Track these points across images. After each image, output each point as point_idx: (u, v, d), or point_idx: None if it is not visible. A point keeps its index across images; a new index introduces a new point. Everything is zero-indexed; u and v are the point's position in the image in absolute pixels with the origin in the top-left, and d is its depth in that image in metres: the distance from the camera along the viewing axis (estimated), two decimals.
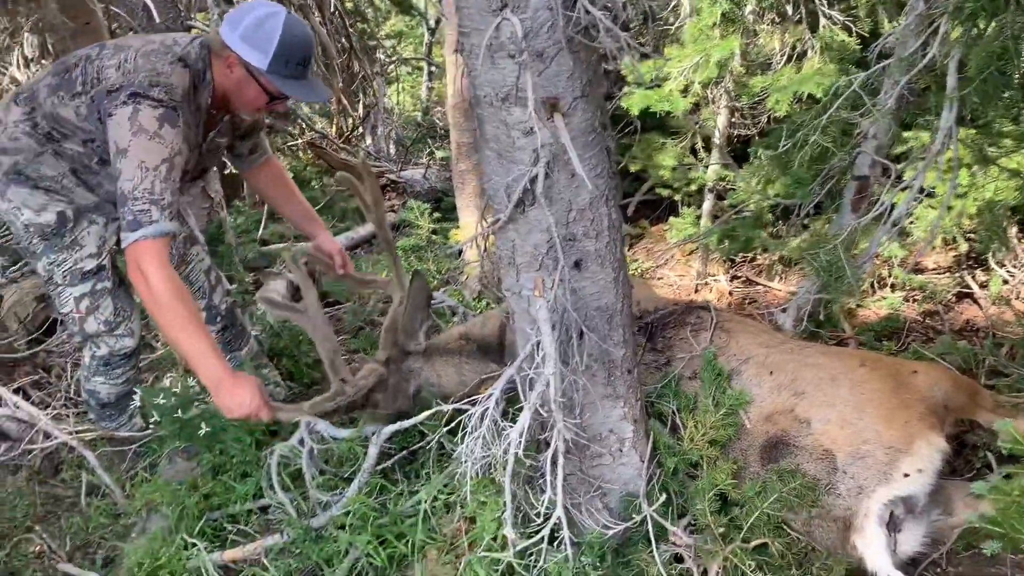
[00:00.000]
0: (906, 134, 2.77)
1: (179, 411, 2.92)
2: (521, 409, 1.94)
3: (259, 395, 2.43)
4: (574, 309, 1.88)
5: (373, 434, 2.70)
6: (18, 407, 3.23)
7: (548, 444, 2.07)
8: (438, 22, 9.77)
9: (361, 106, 7.86)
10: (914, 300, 3.80)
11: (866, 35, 3.51)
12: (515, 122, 1.69)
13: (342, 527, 2.56)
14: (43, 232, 2.67)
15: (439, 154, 6.62)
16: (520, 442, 1.90)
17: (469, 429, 2.00)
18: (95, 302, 2.82)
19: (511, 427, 1.95)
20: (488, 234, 1.91)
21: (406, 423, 2.64)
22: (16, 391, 3.69)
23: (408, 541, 2.49)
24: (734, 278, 4.43)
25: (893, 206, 2.25)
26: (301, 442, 2.76)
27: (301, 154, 6.90)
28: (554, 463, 1.95)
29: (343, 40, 7.17)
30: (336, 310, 4.70)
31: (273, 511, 2.78)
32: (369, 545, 2.45)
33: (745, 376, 2.43)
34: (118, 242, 2.88)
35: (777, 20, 3.66)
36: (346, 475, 2.77)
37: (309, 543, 2.54)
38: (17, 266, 5.23)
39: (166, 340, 2.41)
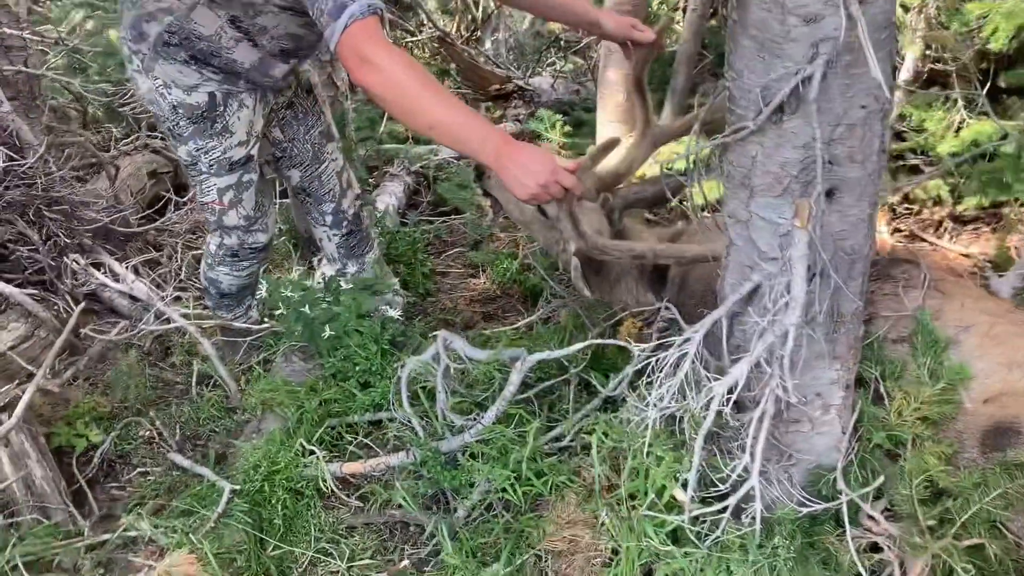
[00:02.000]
0: None
1: (304, 307, 2.73)
2: None
3: (551, 158, 1.93)
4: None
5: (516, 360, 2.44)
6: (134, 284, 3.08)
7: (737, 403, 1.79)
8: None
9: (481, 8, 7.46)
10: None
11: None
12: (795, 5, 1.34)
13: (474, 456, 2.34)
14: (192, 115, 2.40)
15: (566, 65, 6.22)
16: (729, 399, 1.61)
17: (660, 375, 1.72)
18: (239, 195, 2.60)
19: (714, 378, 1.66)
20: (720, 147, 1.58)
21: (558, 353, 2.37)
22: (128, 268, 3.56)
23: (547, 481, 2.26)
24: (896, 231, 3.99)
25: None
26: (435, 359, 2.53)
27: (417, 52, 6.58)
28: (759, 426, 1.66)
29: None
30: (453, 220, 4.45)
31: (396, 427, 2.59)
32: (507, 480, 2.22)
33: (965, 347, 2.07)
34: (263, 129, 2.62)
35: None
36: (479, 399, 2.54)
37: (440, 468, 2.32)
38: (130, 138, 5.12)
39: (417, 129, 2.00)
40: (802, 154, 1.47)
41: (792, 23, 1.35)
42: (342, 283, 2.94)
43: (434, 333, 2.58)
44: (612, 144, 2.24)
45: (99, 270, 3.29)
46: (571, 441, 2.40)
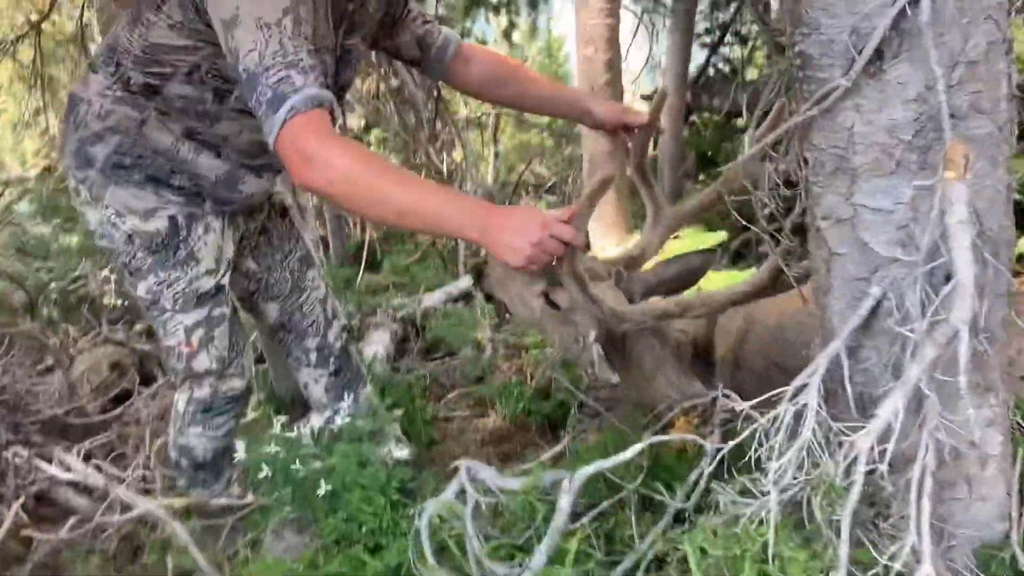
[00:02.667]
0: None
1: (294, 463, 2.27)
2: None
3: (540, 212, 1.68)
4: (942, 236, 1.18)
5: (559, 481, 1.99)
6: (90, 473, 2.60)
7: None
8: None
9: (445, 164, 7.44)
10: None
11: None
12: None
13: None
14: (151, 243, 2.09)
15: (540, 204, 6.08)
16: (880, 455, 1.18)
17: (776, 442, 1.29)
18: (209, 333, 2.22)
19: (850, 430, 1.23)
20: (791, 127, 1.24)
21: (611, 461, 1.92)
22: (86, 458, 3.08)
23: None
24: None
25: None
26: (460, 496, 2.06)
27: None
28: (920, 487, 1.22)
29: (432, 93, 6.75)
30: (449, 362, 4.06)
31: None
32: None
33: None
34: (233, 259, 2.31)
35: None
36: (520, 542, 2.05)
37: None
38: (90, 336, 4.78)
39: (385, 221, 1.76)
40: (915, 110, 1.14)
41: None
42: (333, 429, 2.50)
43: (455, 463, 2.13)
44: (608, 180, 1.93)
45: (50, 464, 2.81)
46: (647, 571, 1.91)
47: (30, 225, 6.80)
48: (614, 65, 3.50)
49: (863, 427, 1.26)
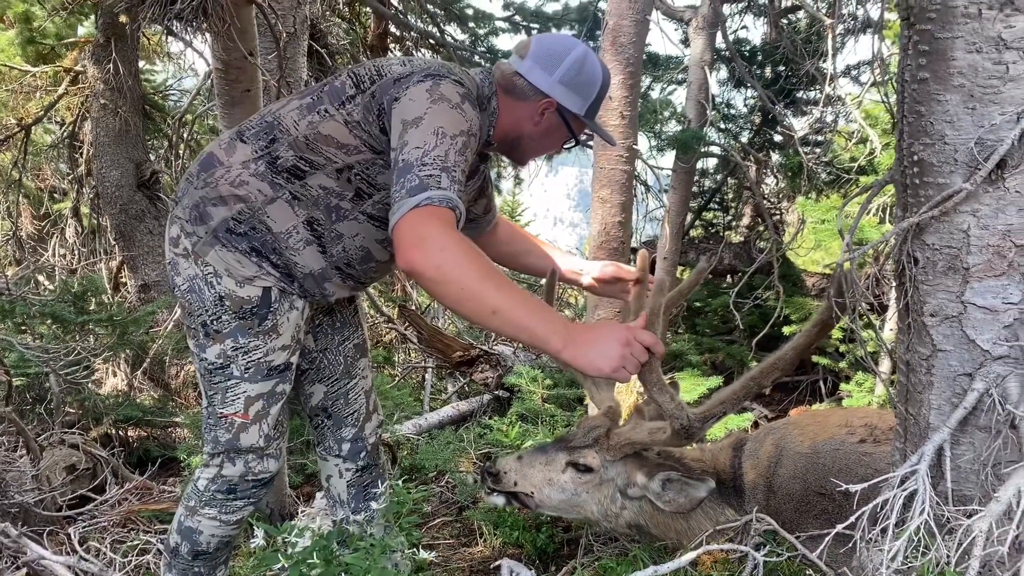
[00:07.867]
0: None
1: (314, 556, 2.15)
2: None
3: (618, 324, 1.85)
4: None
5: None
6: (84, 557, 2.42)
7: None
8: None
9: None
10: None
11: None
12: (1014, 39, 1.21)
13: None
14: (240, 309, 2.08)
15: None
16: (1005, 536, 1.22)
17: (890, 519, 1.32)
18: (267, 408, 2.18)
19: (963, 513, 1.27)
20: (913, 223, 1.35)
21: (663, 568, 1.88)
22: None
23: None
24: None
25: None
26: None
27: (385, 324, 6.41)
28: None
29: None
30: (432, 488, 3.96)
31: None
32: None
33: None
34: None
35: None
36: None
37: None
38: (44, 436, 4.57)
39: (477, 316, 1.75)
40: None
41: (1011, 60, 1.22)
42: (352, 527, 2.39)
43: (496, 563, 2.06)
44: (663, 285, 2.05)
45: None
46: None
47: None
48: (626, 208, 3.71)
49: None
